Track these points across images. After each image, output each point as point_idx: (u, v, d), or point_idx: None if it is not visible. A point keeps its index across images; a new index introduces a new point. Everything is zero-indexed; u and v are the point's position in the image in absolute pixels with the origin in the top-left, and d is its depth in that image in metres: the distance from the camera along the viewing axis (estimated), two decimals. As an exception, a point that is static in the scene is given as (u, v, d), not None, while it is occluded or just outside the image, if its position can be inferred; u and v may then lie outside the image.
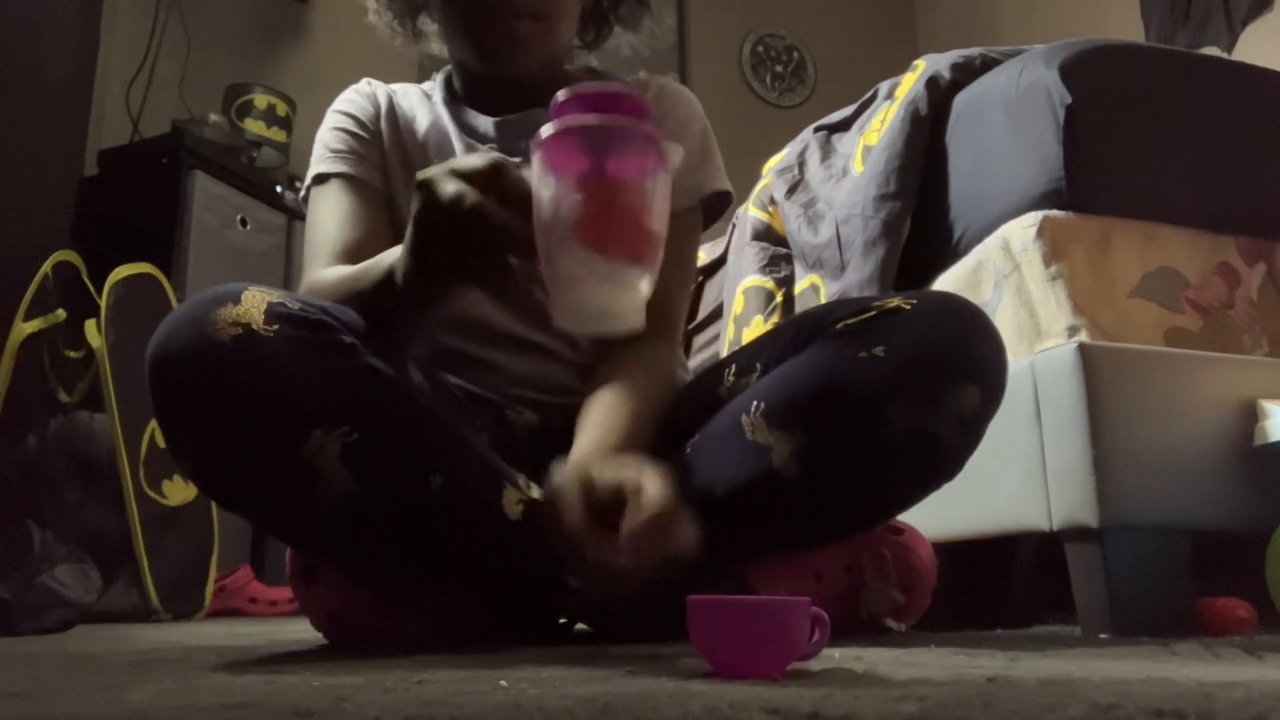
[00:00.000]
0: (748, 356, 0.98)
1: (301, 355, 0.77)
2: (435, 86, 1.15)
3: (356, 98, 1.11)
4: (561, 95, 0.64)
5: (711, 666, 0.57)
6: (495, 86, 1.09)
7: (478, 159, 0.72)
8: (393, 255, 0.82)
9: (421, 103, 1.12)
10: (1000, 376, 0.88)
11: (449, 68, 1.15)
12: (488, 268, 0.72)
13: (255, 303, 0.78)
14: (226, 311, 0.76)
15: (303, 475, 0.77)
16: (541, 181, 0.64)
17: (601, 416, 0.89)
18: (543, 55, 1.04)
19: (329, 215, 1.03)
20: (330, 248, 1.00)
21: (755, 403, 0.88)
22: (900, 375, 0.83)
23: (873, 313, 0.86)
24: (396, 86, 1.15)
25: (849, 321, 0.86)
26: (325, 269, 0.97)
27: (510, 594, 0.87)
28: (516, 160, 1.00)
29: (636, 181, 0.62)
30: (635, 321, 0.65)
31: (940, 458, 0.88)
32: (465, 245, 0.72)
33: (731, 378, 0.97)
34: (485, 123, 1.09)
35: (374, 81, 1.14)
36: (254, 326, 0.76)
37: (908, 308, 0.85)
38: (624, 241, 0.62)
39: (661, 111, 1.07)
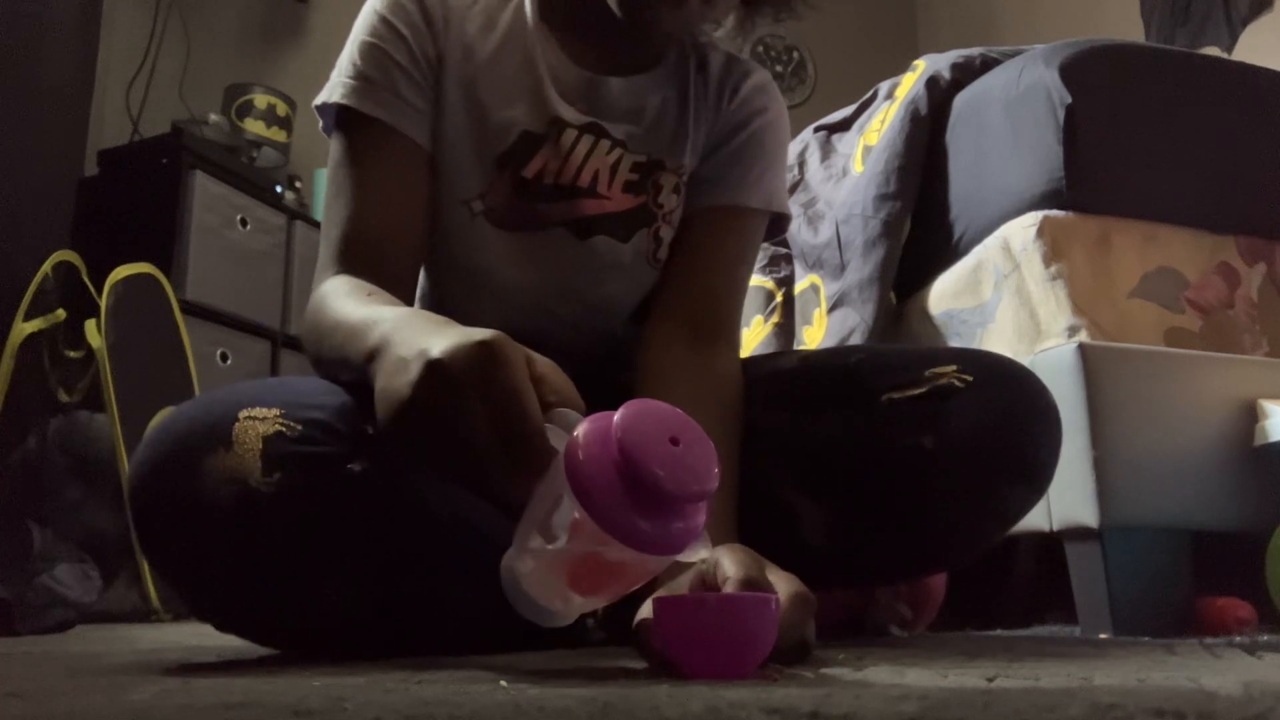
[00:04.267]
0: (780, 386, 0.88)
1: (307, 511, 0.67)
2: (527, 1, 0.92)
3: (407, 3, 0.87)
4: (644, 449, 0.50)
5: (680, 668, 0.56)
6: (610, 26, 0.87)
7: (520, 401, 0.53)
8: (375, 338, 0.64)
9: (499, 10, 0.90)
10: (1051, 471, 0.82)
11: None
12: (456, 478, 0.58)
13: (250, 444, 0.66)
14: (218, 461, 0.65)
15: (313, 620, 0.71)
16: (555, 472, 0.53)
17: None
18: (689, 25, 0.90)
19: (353, 185, 0.83)
20: (347, 242, 0.82)
21: (783, 458, 0.83)
22: (948, 476, 0.78)
23: (924, 389, 0.78)
24: None
25: (895, 397, 0.79)
26: (336, 283, 0.80)
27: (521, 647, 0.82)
28: (610, 140, 0.89)
29: (642, 569, 0.54)
30: (563, 623, 0.57)
31: (976, 545, 0.85)
32: (441, 459, 0.57)
33: (767, 406, 0.87)
34: (579, 77, 0.90)
35: None
36: (251, 483, 0.65)
37: (961, 386, 0.78)
38: (598, 594, 0.56)
39: (765, 111, 0.97)
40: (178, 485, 0.66)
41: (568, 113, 0.89)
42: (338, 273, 0.82)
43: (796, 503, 0.82)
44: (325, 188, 0.87)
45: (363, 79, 0.84)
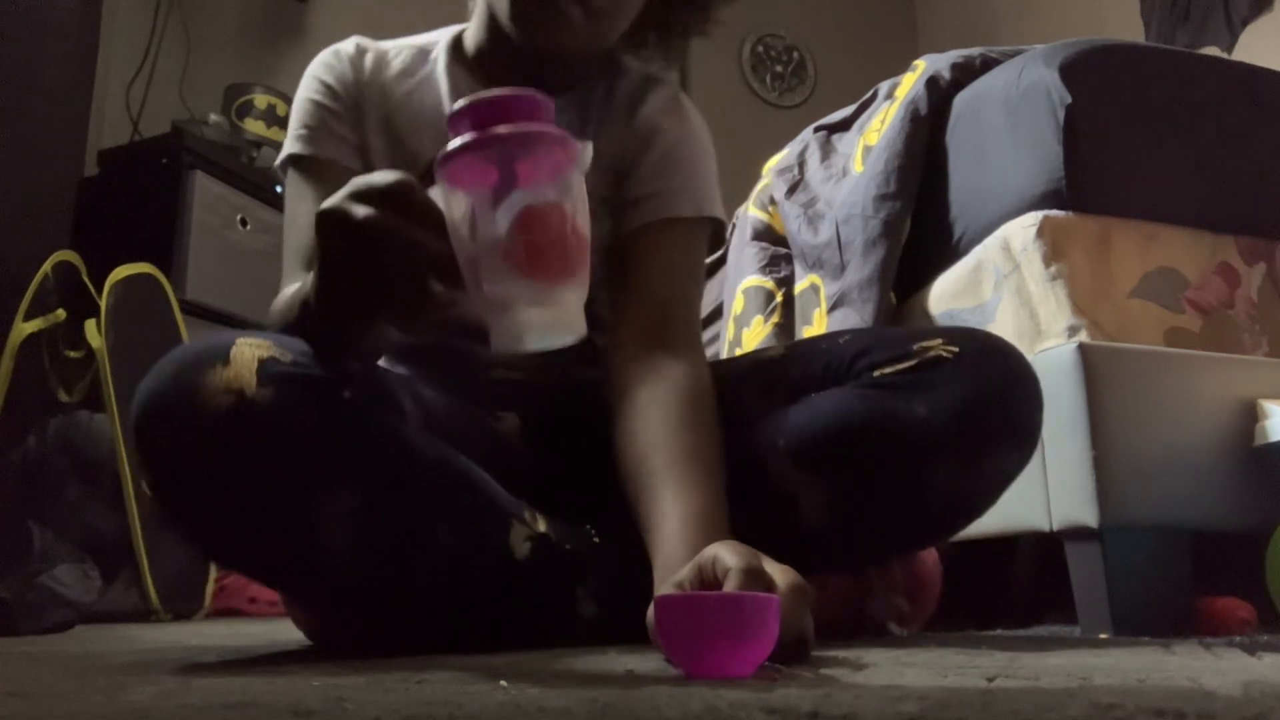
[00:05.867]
0: (770, 375, 0.93)
1: (299, 420, 0.72)
2: (440, 48, 1.02)
3: (335, 62, 1.00)
4: (459, 104, 0.59)
5: (679, 666, 0.56)
6: (514, 62, 0.97)
7: (383, 176, 0.64)
8: (302, 290, 0.74)
9: (417, 64, 1.01)
10: (1037, 432, 0.86)
11: (460, 26, 1.04)
12: (406, 299, 0.64)
13: (245, 362, 0.71)
14: (216, 375, 0.70)
15: (305, 540, 0.74)
16: (450, 201, 0.60)
17: (689, 498, 0.77)
18: (581, 47, 0.95)
19: (299, 209, 0.94)
20: (303, 252, 0.92)
21: (781, 440, 0.85)
22: (939, 440, 0.81)
23: (913, 362, 0.83)
24: (389, 44, 1.03)
25: (887, 371, 0.83)
26: (290, 282, 0.89)
27: (517, 629, 0.83)
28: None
29: (554, 196, 0.58)
30: (577, 329, 0.61)
31: (970, 511, 0.87)
32: (380, 276, 0.63)
33: (756, 396, 0.92)
34: None
35: (361, 41, 1.02)
36: (247, 393, 0.70)
37: (949, 357, 0.82)
38: (552, 262, 0.58)
39: (676, 123, 1.02)
40: (178, 397, 0.70)
41: None
42: (295, 281, 0.89)
43: (796, 485, 0.84)
44: (284, 229, 0.98)
45: (305, 128, 0.97)
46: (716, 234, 1.03)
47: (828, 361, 0.89)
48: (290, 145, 0.97)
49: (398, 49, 1.02)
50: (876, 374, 0.84)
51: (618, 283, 0.96)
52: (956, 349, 0.83)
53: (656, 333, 0.91)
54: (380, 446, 0.76)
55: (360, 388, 0.76)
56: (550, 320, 0.59)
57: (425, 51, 1.02)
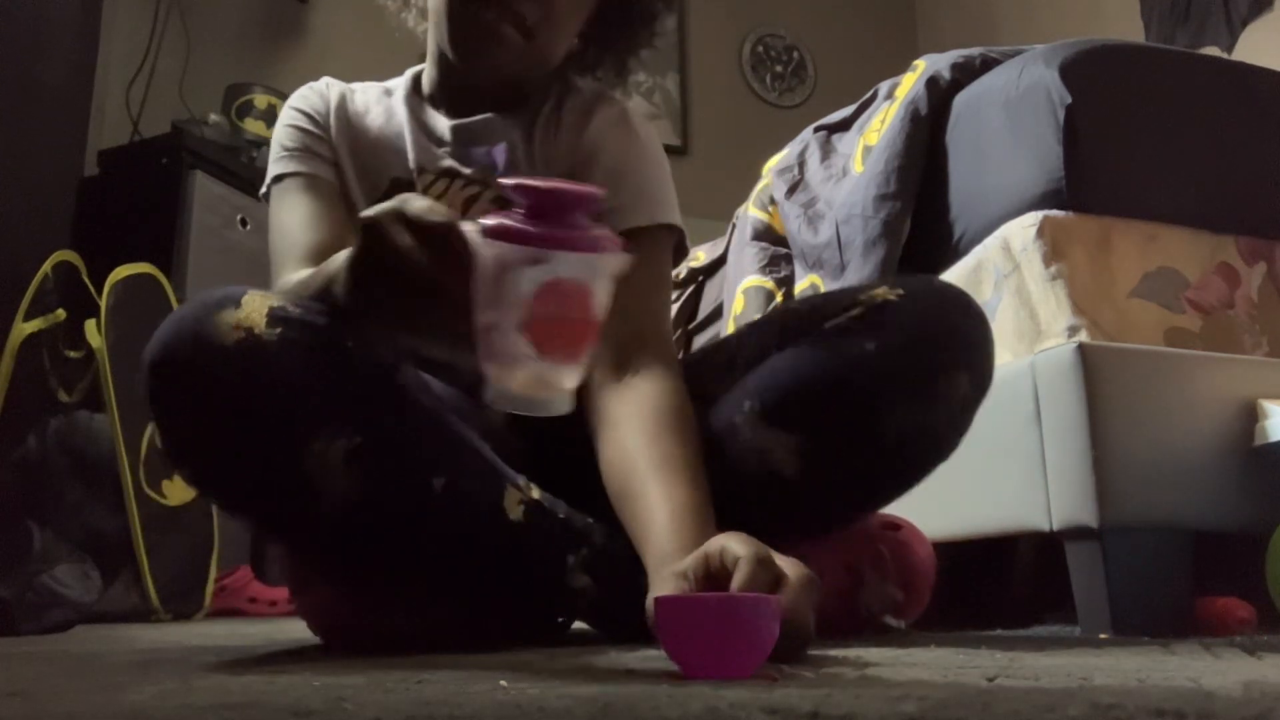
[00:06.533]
0: (728, 352, 0.97)
1: (304, 360, 0.76)
2: (400, 84, 1.11)
3: (309, 94, 1.08)
4: (519, 181, 0.62)
5: (679, 667, 0.56)
6: (463, 86, 1.05)
7: (433, 211, 0.68)
8: (335, 265, 0.80)
9: (379, 100, 1.09)
10: (989, 361, 0.89)
11: (419, 67, 1.12)
12: (425, 316, 0.71)
13: (256, 307, 0.76)
14: (228, 315, 0.75)
15: (304, 480, 0.77)
16: (485, 250, 0.61)
17: (675, 494, 0.80)
18: (521, 67, 1.01)
19: (291, 218, 1.00)
20: (296, 252, 0.97)
21: (747, 402, 0.88)
22: (891, 370, 0.84)
23: (860, 309, 0.86)
24: (356, 85, 1.11)
25: (837, 321, 0.87)
26: (290, 275, 0.95)
27: (511, 594, 0.87)
28: (466, 174, 1.01)
29: (585, 287, 0.61)
30: (563, 408, 0.63)
31: (934, 446, 0.89)
32: (405, 295, 0.70)
33: (716, 373, 0.95)
34: (443, 124, 1.05)
35: (331, 80, 1.11)
36: (256, 330, 0.75)
37: (894, 299, 0.86)
38: (563, 343, 0.61)
39: (622, 135, 1.04)
40: (191, 334, 0.75)
41: (426, 159, 1.03)
42: (290, 274, 0.95)
43: (766, 443, 0.87)
44: (270, 241, 1.03)
45: (287, 151, 1.04)
46: (680, 244, 1.04)
47: (783, 326, 0.92)
48: (276, 168, 1.03)
49: (364, 89, 1.11)
50: (828, 324, 0.87)
51: None
52: (901, 292, 0.87)
53: (628, 351, 0.92)
54: (380, 393, 0.80)
55: (363, 340, 0.80)
56: (544, 396, 0.62)
57: (388, 91, 1.10)
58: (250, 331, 0.75)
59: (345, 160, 1.04)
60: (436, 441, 0.82)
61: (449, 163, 1.03)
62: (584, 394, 0.93)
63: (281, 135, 1.05)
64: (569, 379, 0.62)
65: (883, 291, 0.87)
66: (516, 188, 0.61)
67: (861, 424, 0.86)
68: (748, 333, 0.99)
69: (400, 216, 0.68)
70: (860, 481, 0.90)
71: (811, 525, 0.92)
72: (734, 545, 0.65)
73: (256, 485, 0.79)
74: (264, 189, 1.05)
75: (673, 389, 0.91)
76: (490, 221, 0.61)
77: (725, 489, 0.84)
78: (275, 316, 0.76)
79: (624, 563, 0.82)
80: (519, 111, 1.05)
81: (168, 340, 0.76)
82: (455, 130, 1.04)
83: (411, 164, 1.03)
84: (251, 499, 0.81)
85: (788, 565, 0.65)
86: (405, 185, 1.01)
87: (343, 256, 0.78)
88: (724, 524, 0.78)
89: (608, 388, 0.91)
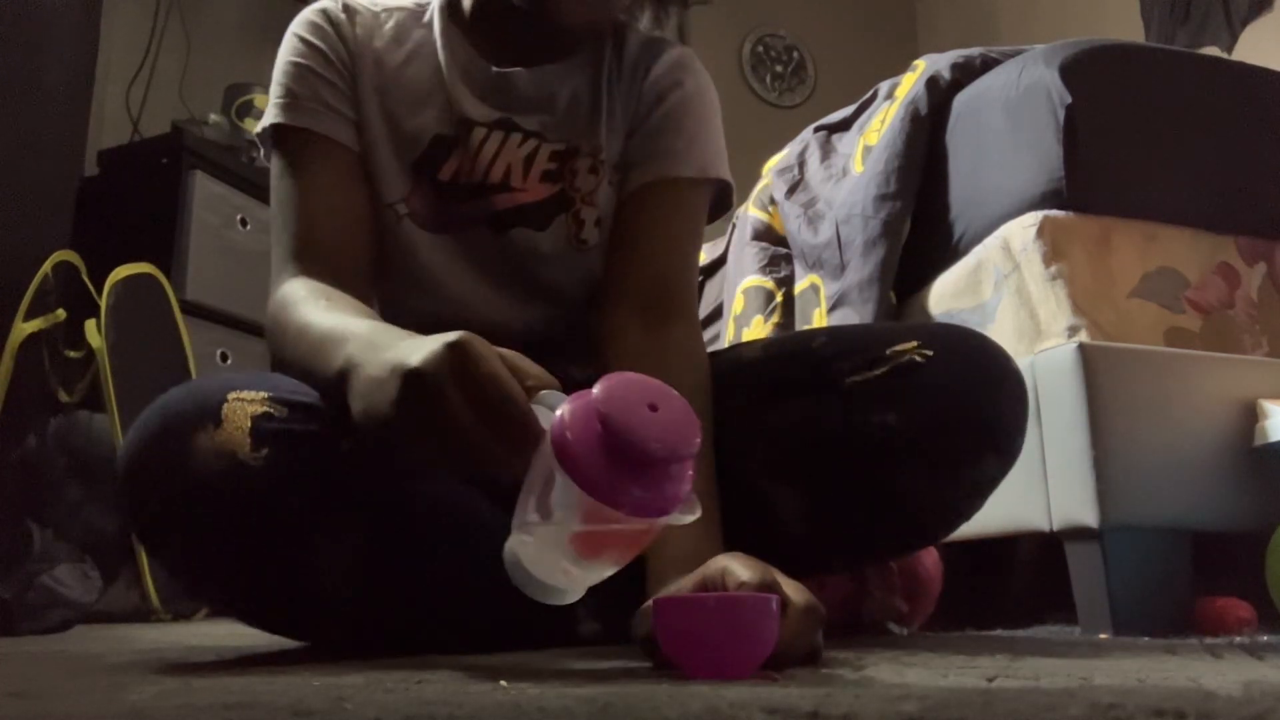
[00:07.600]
0: (746, 381, 0.88)
1: (296, 486, 0.69)
2: (434, 4, 0.94)
3: (320, 22, 0.90)
4: (626, 442, 0.51)
5: (679, 667, 0.56)
6: (521, 26, 0.90)
7: (500, 381, 0.55)
8: (350, 365, 0.64)
9: (412, 26, 0.93)
10: (1020, 438, 0.82)
11: None
12: (456, 471, 0.62)
13: (238, 421, 0.68)
14: (208, 437, 0.67)
15: (306, 593, 0.73)
16: (555, 462, 0.53)
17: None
18: (593, 13, 0.89)
19: (296, 193, 0.86)
20: (300, 243, 0.85)
21: (752, 450, 0.83)
22: (913, 449, 0.78)
23: (885, 368, 0.79)
24: (379, 3, 0.95)
25: (857, 379, 0.80)
26: (295, 286, 0.82)
27: (518, 644, 0.82)
28: (522, 133, 0.90)
29: (650, 533, 0.56)
30: (574, 599, 0.58)
31: (950, 517, 0.85)
32: (435, 452, 0.58)
33: (731, 403, 0.87)
34: (490, 74, 0.91)
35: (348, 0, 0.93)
36: (240, 455, 0.67)
37: (922, 362, 0.78)
38: (607, 557, 0.57)
39: (687, 77, 0.96)
40: (168, 461, 0.67)
41: (476, 112, 0.91)
42: (295, 274, 0.84)
43: (771, 491, 0.83)
44: (271, 203, 0.90)
45: (290, 95, 0.88)
46: (723, 197, 0.97)
47: (804, 364, 0.85)
48: (276, 113, 0.88)
49: (388, 11, 0.94)
50: (848, 382, 0.81)
51: (614, 245, 0.93)
52: (931, 353, 0.79)
53: (653, 303, 0.87)
54: (381, 502, 0.74)
55: (358, 435, 0.70)
56: (562, 586, 0.57)
57: (418, 13, 0.95)
58: (234, 458, 0.67)
59: (372, 113, 0.89)
60: (443, 528, 0.77)
61: (499, 115, 0.91)
62: (604, 335, 0.88)
63: (286, 72, 0.89)
64: (596, 578, 0.58)
65: (912, 349, 0.79)
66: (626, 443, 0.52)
67: (873, 496, 0.81)
68: (766, 359, 0.89)
69: (457, 372, 0.55)
70: (867, 542, 0.87)
71: (812, 571, 0.87)
72: (737, 568, 0.61)
73: (253, 600, 0.75)
74: (259, 129, 0.90)
75: (698, 355, 0.86)
76: (569, 431, 0.52)
77: (727, 523, 0.77)
78: (260, 434, 0.68)
79: (632, 597, 0.74)
80: (572, 58, 0.95)
81: (142, 462, 0.68)
82: (502, 81, 0.92)
83: (460, 115, 0.90)
84: (250, 614, 0.78)
85: (792, 590, 0.61)
86: (449, 143, 0.90)
87: (351, 345, 0.65)
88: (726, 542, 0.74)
89: (630, 338, 0.85)
